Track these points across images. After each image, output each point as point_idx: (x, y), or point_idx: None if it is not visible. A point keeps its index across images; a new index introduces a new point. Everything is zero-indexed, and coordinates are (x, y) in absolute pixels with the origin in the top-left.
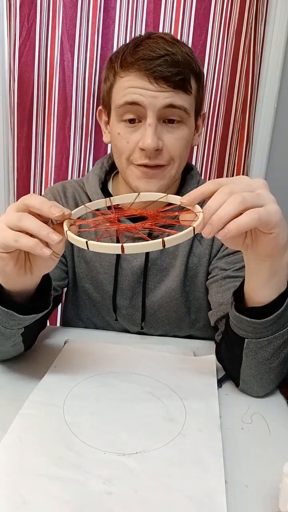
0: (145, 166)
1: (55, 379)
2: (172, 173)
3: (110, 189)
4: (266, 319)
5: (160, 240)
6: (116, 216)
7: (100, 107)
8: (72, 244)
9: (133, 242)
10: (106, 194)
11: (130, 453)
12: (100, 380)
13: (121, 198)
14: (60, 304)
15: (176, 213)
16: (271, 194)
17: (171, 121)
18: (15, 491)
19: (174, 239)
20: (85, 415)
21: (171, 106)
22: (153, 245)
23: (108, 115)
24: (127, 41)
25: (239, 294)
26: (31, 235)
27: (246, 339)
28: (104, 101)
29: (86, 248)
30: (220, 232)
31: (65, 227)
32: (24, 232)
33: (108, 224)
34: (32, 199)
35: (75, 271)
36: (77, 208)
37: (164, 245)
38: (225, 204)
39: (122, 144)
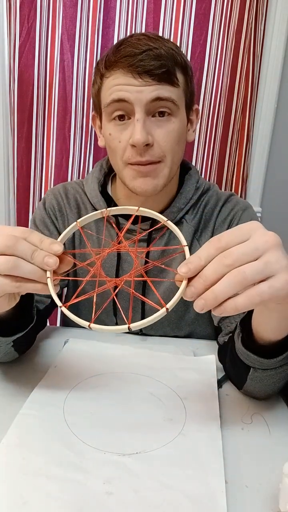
0: (138, 164)
1: (55, 379)
2: (166, 171)
3: (109, 191)
4: (275, 359)
5: (163, 310)
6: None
7: (93, 113)
8: (73, 246)
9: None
10: (106, 196)
11: (130, 453)
12: (100, 380)
13: (119, 210)
14: None
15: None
16: (284, 254)
17: (161, 114)
18: (15, 491)
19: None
20: (85, 415)
21: (158, 99)
22: (156, 317)
23: (100, 119)
24: None
25: (245, 323)
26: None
27: (252, 368)
28: (95, 105)
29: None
30: (216, 310)
31: (51, 289)
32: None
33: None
34: (29, 236)
35: (75, 271)
36: (69, 228)
37: (167, 310)
38: (223, 282)
39: (114, 144)
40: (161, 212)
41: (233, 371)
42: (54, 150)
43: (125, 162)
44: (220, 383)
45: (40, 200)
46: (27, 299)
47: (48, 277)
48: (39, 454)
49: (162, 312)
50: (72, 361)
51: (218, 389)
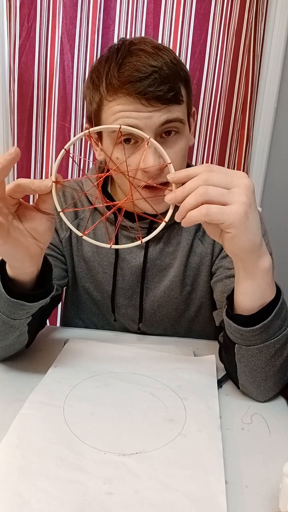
0: (148, 187)
1: (55, 379)
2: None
3: (109, 189)
4: (251, 328)
5: (162, 223)
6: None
7: (87, 125)
8: (71, 244)
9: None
10: (105, 194)
11: (130, 454)
12: (100, 380)
13: (101, 128)
14: (60, 304)
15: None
16: (249, 197)
17: (168, 133)
18: (15, 491)
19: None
20: (85, 415)
21: (167, 121)
22: (159, 230)
23: (99, 134)
24: (107, 52)
25: (233, 298)
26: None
27: (236, 345)
28: (90, 120)
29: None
30: (182, 220)
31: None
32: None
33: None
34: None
35: (74, 270)
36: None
37: (166, 222)
38: (191, 194)
39: (122, 167)
40: (162, 212)
41: (227, 360)
42: (54, 150)
43: (136, 184)
44: (220, 383)
45: None
46: (45, 270)
47: (52, 184)
48: (39, 454)
49: (162, 224)
50: (72, 361)
51: (218, 389)
